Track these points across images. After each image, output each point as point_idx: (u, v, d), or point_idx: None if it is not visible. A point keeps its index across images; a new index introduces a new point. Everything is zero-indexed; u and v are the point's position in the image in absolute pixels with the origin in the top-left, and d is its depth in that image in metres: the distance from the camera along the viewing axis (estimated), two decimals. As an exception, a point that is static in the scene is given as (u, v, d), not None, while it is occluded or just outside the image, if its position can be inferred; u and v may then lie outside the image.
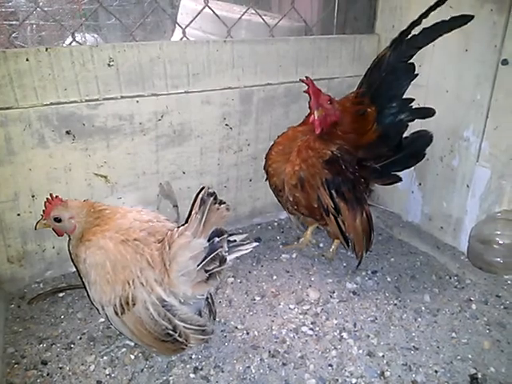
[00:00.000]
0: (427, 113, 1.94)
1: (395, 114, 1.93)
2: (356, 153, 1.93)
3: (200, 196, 1.32)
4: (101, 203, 1.62)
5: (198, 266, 1.34)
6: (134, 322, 1.41)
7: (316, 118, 1.81)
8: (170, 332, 1.39)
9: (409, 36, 1.82)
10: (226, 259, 1.37)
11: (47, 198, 1.59)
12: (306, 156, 1.88)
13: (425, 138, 1.97)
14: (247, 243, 1.44)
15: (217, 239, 1.33)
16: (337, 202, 1.86)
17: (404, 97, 1.92)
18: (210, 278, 1.38)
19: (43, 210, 1.59)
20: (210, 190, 1.32)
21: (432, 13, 1.80)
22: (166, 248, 1.39)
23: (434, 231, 2.26)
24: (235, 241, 1.43)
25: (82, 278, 1.55)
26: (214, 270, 1.36)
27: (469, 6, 1.85)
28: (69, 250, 1.63)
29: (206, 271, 1.36)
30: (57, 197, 1.59)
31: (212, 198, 1.31)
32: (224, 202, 1.34)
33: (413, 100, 1.92)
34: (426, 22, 1.81)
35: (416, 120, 1.95)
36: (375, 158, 1.97)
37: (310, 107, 1.89)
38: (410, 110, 1.93)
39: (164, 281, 1.39)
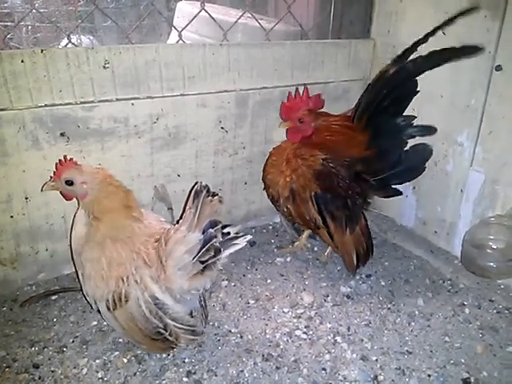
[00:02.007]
0: (428, 131, 1.86)
1: (395, 131, 1.87)
2: (354, 166, 1.90)
3: (194, 190, 1.34)
4: (115, 178, 1.55)
5: (194, 258, 1.35)
6: (126, 318, 1.42)
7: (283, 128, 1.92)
8: (161, 330, 1.41)
9: (414, 56, 1.75)
10: (220, 249, 1.37)
11: (60, 160, 1.52)
12: (295, 165, 1.90)
13: (425, 152, 1.91)
14: (241, 236, 1.43)
15: (211, 230, 1.34)
16: (325, 216, 1.88)
17: (405, 114, 1.87)
18: (206, 269, 1.39)
19: (54, 172, 1.52)
20: (202, 184, 1.34)
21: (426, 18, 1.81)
22: (163, 245, 1.40)
23: (428, 235, 2.27)
24: (229, 233, 1.42)
25: (73, 258, 1.55)
26: (209, 260, 1.37)
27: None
28: (71, 228, 1.60)
29: (202, 262, 1.37)
30: (71, 159, 1.53)
31: (205, 191, 1.33)
32: (217, 194, 1.36)
33: (415, 118, 1.86)
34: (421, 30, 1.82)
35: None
36: (374, 173, 1.91)
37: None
38: (410, 127, 1.86)
39: (160, 277, 1.40)
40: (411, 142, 1.92)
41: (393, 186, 2.01)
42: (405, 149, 1.93)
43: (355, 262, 1.94)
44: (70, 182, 1.49)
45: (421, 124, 1.86)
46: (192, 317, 1.57)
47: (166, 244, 1.39)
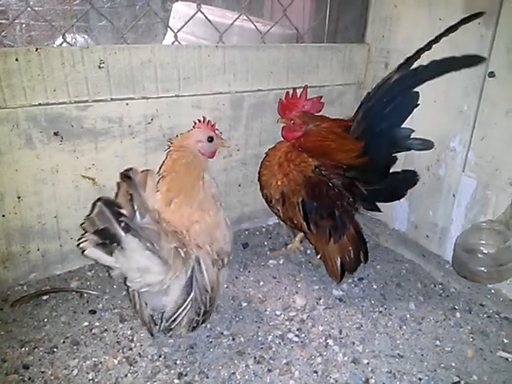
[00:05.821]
0: (425, 145, 1.84)
1: (393, 142, 1.84)
2: (348, 172, 1.89)
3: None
4: None
5: None
6: None
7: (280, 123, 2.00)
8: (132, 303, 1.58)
9: (415, 64, 1.74)
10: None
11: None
12: (287, 170, 1.91)
13: (412, 180, 1.95)
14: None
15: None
16: (310, 223, 1.89)
17: (403, 126, 1.83)
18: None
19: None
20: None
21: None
22: None
23: (420, 239, 2.28)
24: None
25: None
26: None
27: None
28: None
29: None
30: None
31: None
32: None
33: (413, 131, 1.82)
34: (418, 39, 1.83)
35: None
36: (365, 182, 1.91)
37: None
38: (408, 139, 1.83)
39: None
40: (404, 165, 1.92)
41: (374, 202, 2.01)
42: (396, 170, 1.94)
43: (339, 270, 1.91)
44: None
45: (419, 137, 1.84)
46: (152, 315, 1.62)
47: None
